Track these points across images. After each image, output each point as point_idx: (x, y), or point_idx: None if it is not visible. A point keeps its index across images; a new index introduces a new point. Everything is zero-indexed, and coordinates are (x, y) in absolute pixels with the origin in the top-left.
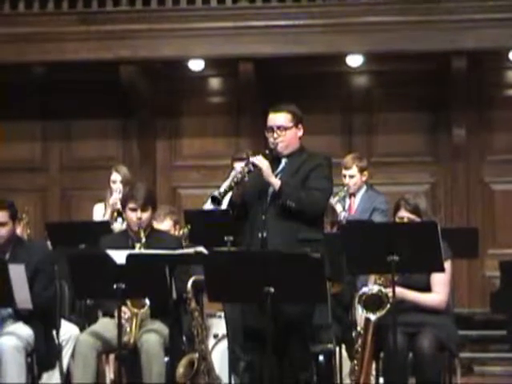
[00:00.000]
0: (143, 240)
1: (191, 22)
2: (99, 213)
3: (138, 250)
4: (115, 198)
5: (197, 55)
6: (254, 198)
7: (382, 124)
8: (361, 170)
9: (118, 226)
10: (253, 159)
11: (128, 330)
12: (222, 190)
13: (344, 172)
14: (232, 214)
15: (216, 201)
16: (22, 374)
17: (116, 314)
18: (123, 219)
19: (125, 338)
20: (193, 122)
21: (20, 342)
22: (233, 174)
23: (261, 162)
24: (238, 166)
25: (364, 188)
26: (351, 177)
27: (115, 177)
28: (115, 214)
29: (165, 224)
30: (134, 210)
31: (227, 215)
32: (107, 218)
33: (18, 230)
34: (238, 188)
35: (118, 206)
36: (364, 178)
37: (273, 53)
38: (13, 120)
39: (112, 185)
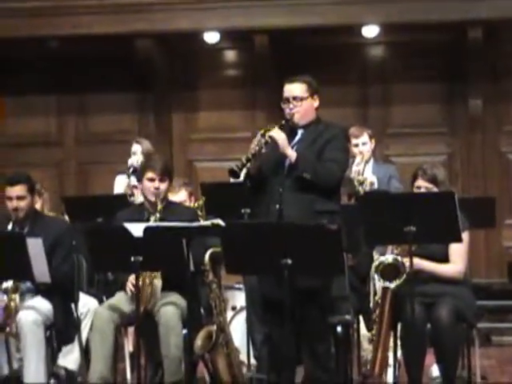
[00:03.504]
0: (159, 207)
1: None
2: (121, 183)
3: (154, 222)
4: (133, 159)
5: (212, 28)
6: (271, 170)
7: (398, 95)
8: (370, 137)
9: (138, 196)
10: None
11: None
12: (239, 163)
13: (356, 141)
14: (248, 186)
15: (234, 174)
16: (42, 348)
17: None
18: (137, 179)
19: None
20: (208, 95)
21: (39, 316)
22: (251, 146)
23: (277, 133)
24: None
25: (372, 158)
26: (364, 144)
27: (136, 148)
28: (130, 169)
29: (180, 195)
30: (152, 180)
31: (244, 188)
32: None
33: (38, 205)
34: (255, 160)
35: (134, 164)
36: (373, 146)
37: (288, 25)
38: (28, 94)
39: (132, 156)
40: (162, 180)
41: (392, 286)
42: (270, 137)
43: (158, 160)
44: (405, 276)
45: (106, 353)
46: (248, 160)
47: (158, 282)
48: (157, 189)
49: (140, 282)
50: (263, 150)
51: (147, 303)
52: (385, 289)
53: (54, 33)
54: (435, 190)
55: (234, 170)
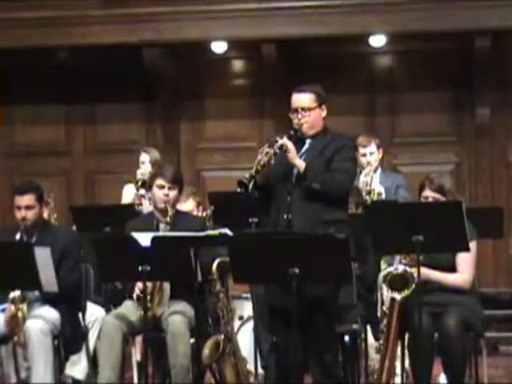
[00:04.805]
0: (170, 213)
1: (214, 3)
2: (129, 193)
3: (164, 227)
4: (142, 171)
5: (220, 37)
6: (279, 179)
7: (406, 104)
8: (378, 147)
9: (146, 205)
10: (278, 142)
11: (149, 304)
12: (248, 174)
13: (363, 151)
14: (256, 196)
15: (243, 186)
16: (49, 356)
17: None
18: (146, 190)
19: (148, 313)
20: (216, 105)
21: (47, 325)
22: (258, 157)
23: (286, 144)
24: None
25: (379, 168)
26: (371, 153)
27: (144, 158)
28: (139, 182)
29: (188, 205)
30: (161, 187)
31: (252, 197)
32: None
33: (45, 215)
34: (263, 170)
35: (144, 177)
36: (380, 155)
37: (296, 34)
38: (37, 104)
39: (141, 165)
40: (171, 188)
41: (399, 297)
42: (282, 145)
43: (168, 168)
44: (413, 287)
45: (113, 361)
46: (257, 172)
47: (167, 285)
48: (166, 196)
49: (150, 285)
50: (272, 161)
51: (157, 307)
52: (393, 299)
53: (62, 42)
54: (442, 199)
55: (242, 181)
